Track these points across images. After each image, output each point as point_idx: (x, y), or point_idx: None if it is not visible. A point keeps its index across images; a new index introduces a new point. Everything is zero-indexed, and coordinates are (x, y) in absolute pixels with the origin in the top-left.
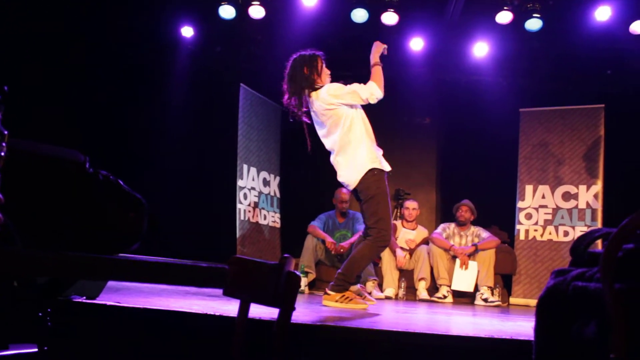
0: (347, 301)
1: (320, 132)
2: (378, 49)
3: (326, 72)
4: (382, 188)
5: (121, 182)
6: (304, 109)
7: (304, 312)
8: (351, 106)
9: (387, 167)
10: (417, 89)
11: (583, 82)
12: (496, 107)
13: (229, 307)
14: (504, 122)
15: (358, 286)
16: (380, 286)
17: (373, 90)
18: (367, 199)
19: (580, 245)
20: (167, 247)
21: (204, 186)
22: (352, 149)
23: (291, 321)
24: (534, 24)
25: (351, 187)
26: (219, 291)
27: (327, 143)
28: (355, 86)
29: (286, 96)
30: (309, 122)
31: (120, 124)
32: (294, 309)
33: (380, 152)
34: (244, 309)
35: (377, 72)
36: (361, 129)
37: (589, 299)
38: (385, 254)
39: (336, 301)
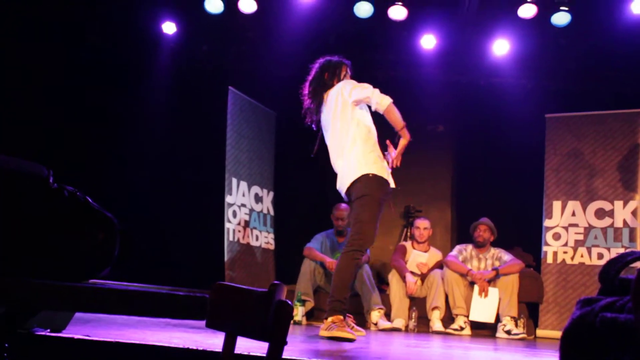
0: (331, 330)
1: (327, 135)
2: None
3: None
4: (375, 194)
5: (89, 200)
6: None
7: (298, 347)
8: (360, 108)
9: (391, 182)
10: (428, 92)
11: (618, 83)
12: (519, 112)
13: (214, 341)
14: (528, 129)
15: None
16: (387, 316)
17: (385, 102)
18: (354, 200)
19: (610, 271)
20: (143, 273)
21: (187, 203)
22: (353, 150)
23: (283, 357)
24: (561, 18)
25: (343, 191)
26: (203, 323)
27: (332, 146)
28: (370, 87)
29: (307, 101)
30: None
31: (89, 132)
32: (285, 343)
33: (388, 166)
34: (229, 343)
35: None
36: (367, 133)
37: (620, 333)
38: (394, 280)
39: (325, 329)
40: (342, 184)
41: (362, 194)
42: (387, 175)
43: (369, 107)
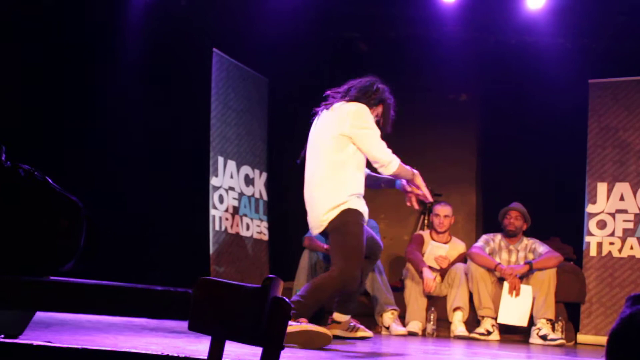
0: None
1: (309, 152)
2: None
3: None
4: (354, 225)
5: (49, 180)
6: None
7: (296, 353)
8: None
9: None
10: (450, 54)
11: None
12: (556, 78)
13: (198, 347)
14: (568, 98)
15: (348, 317)
16: (402, 318)
17: (389, 160)
18: (332, 232)
19: None
20: (114, 268)
21: (166, 186)
22: (332, 181)
23: None
24: None
25: (315, 232)
26: (185, 325)
27: (309, 169)
28: (378, 138)
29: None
30: None
31: (49, 102)
32: (282, 347)
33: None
34: (216, 349)
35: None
36: (354, 167)
37: None
38: (409, 276)
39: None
40: (314, 221)
41: (343, 223)
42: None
43: None
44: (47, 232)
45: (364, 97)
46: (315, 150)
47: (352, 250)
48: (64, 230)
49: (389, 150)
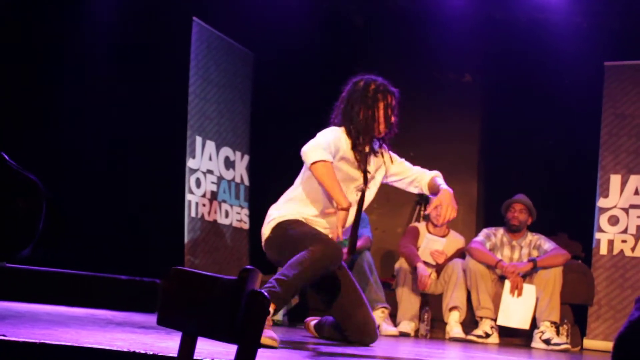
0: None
1: None
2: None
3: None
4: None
5: (5, 156)
6: None
7: (275, 352)
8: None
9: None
10: (453, 31)
11: None
12: (570, 59)
13: (168, 343)
14: (581, 81)
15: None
16: (393, 318)
17: (305, 150)
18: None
19: None
20: (77, 256)
21: (138, 168)
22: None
23: None
24: None
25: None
26: (154, 319)
27: None
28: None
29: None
30: None
31: (9, 73)
32: (259, 345)
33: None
34: (187, 346)
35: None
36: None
37: None
38: (402, 272)
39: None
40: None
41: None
42: None
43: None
44: (1, 213)
45: (349, 121)
46: None
47: (304, 238)
48: (20, 212)
49: (319, 144)
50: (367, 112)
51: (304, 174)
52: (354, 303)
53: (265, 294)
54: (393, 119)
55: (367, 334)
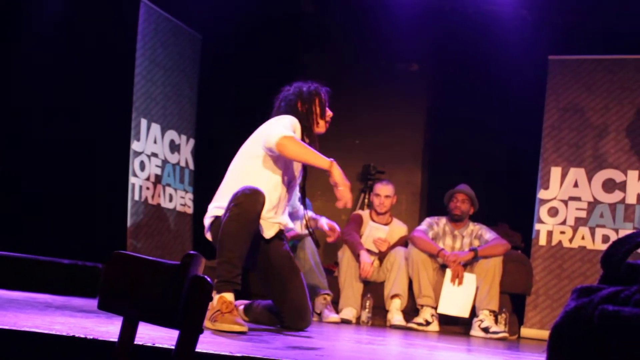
0: (214, 321)
1: None
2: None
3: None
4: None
5: None
6: None
7: (216, 338)
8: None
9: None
10: (402, 21)
11: None
12: (515, 52)
13: (108, 328)
14: (525, 74)
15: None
16: (335, 304)
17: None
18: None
19: (615, 254)
20: (19, 239)
21: (79, 150)
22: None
23: (197, 350)
24: None
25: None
26: (95, 304)
27: None
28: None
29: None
30: None
31: None
32: (201, 331)
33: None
34: (128, 331)
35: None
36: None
37: (623, 330)
38: (345, 259)
39: (209, 319)
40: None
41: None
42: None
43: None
44: None
45: (295, 114)
46: None
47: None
48: None
49: (279, 125)
50: (305, 107)
51: (241, 164)
52: (294, 288)
53: (209, 280)
54: (328, 116)
55: (303, 319)
